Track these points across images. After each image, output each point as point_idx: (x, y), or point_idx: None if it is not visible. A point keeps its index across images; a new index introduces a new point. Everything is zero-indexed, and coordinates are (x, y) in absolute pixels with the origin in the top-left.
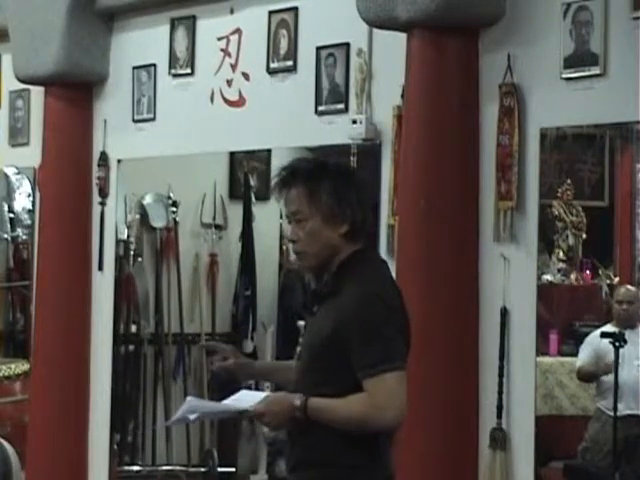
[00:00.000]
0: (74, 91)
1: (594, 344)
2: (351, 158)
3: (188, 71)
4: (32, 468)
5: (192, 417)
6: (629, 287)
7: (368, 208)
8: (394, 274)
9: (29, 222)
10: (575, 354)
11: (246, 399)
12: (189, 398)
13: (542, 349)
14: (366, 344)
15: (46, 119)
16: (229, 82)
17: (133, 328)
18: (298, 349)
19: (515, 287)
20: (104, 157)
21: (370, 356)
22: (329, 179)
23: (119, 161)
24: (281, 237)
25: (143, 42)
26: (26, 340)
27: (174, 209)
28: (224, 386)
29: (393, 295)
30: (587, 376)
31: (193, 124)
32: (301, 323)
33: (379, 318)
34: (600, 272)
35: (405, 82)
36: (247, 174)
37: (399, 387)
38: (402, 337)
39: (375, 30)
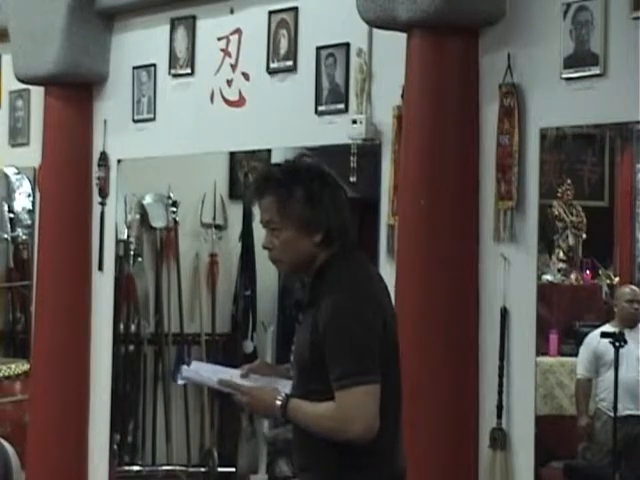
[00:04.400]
0: (74, 91)
1: (592, 345)
2: (351, 158)
3: (188, 71)
4: (32, 468)
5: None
6: (633, 287)
7: (345, 209)
8: (394, 274)
9: (29, 222)
10: (575, 354)
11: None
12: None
13: (542, 349)
14: (338, 356)
15: (46, 119)
16: (229, 82)
17: (133, 328)
18: (291, 358)
19: (515, 287)
20: (104, 157)
21: (341, 368)
22: (301, 186)
23: (119, 161)
24: None
25: (143, 42)
26: (26, 340)
27: (174, 209)
28: None
29: (368, 301)
30: (583, 391)
31: (193, 124)
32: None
33: (351, 330)
34: (600, 272)
35: (405, 82)
36: (247, 174)
37: (368, 400)
38: (376, 347)
39: (375, 30)
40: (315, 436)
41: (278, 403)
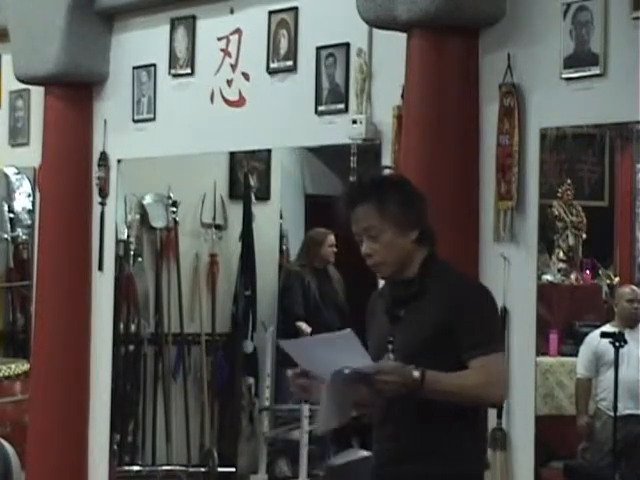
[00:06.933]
0: (74, 91)
1: (592, 345)
2: (351, 158)
3: (188, 71)
4: (32, 468)
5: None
6: (633, 287)
7: (428, 214)
8: None
9: (29, 222)
10: (575, 354)
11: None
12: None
13: (542, 349)
14: (475, 327)
15: (46, 119)
16: (229, 82)
17: (133, 328)
18: (391, 356)
19: (515, 287)
20: (104, 157)
21: (480, 338)
22: (393, 190)
23: (119, 161)
24: (281, 237)
25: (143, 42)
26: (26, 340)
27: (174, 209)
28: None
29: (483, 287)
30: (583, 391)
31: (193, 124)
32: (300, 324)
33: (480, 305)
34: (600, 272)
35: (405, 82)
36: (247, 174)
37: (503, 367)
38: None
39: (375, 30)
40: (437, 420)
41: (416, 374)
